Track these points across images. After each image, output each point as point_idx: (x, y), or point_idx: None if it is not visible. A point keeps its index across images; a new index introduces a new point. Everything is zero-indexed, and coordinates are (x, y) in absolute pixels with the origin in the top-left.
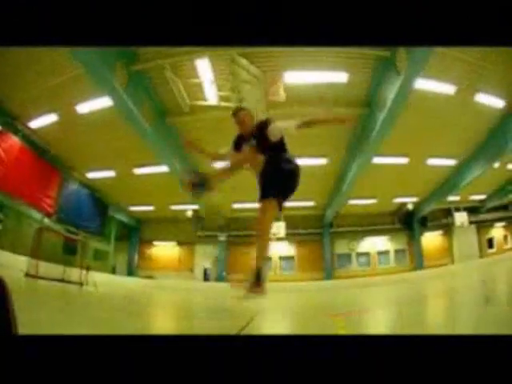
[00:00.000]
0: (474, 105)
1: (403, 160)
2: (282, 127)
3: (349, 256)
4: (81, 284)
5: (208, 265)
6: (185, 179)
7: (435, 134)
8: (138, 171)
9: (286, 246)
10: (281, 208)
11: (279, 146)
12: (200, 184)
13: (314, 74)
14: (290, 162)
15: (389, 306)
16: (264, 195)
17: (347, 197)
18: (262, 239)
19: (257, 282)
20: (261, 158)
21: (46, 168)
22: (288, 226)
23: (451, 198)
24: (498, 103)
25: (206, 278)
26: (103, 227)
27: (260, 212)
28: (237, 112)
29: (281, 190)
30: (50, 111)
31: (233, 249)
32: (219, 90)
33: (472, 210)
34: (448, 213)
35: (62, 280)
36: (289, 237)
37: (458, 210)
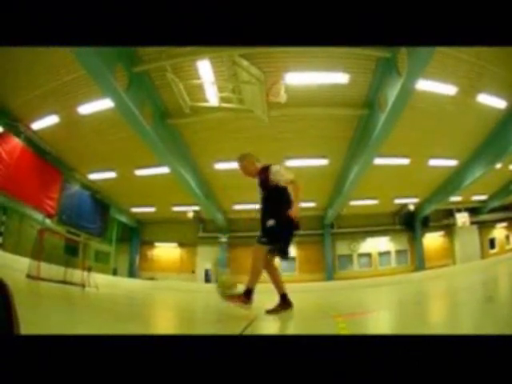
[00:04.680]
0: (475, 105)
1: (404, 161)
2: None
3: (350, 257)
4: (82, 285)
5: (209, 266)
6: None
7: (436, 135)
8: (140, 172)
9: None
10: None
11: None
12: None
13: (314, 75)
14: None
15: (390, 306)
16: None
17: (348, 198)
18: (256, 272)
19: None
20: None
21: (47, 169)
22: None
23: (453, 199)
24: (500, 104)
25: (207, 279)
26: (104, 228)
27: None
28: (238, 159)
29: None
30: (51, 113)
31: (234, 250)
32: (220, 91)
33: (473, 210)
34: (449, 213)
35: (63, 281)
36: None
37: (459, 210)
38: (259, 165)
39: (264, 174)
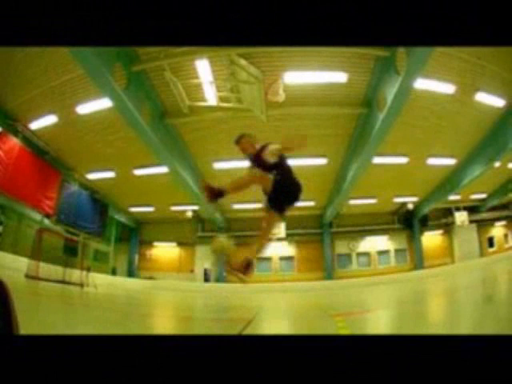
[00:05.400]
0: (474, 104)
1: (403, 160)
2: (273, 149)
3: (349, 256)
4: (81, 285)
5: (208, 265)
6: (204, 188)
7: (435, 134)
8: (138, 172)
9: (285, 247)
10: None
11: (279, 166)
12: (217, 193)
13: (313, 74)
14: (288, 182)
15: (389, 305)
16: (269, 207)
17: (347, 197)
18: (264, 239)
19: (249, 267)
20: (267, 177)
21: (46, 169)
22: (288, 226)
23: (451, 198)
24: (498, 102)
25: (206, 278)
26: (103, 228)
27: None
28: (238, 140)
29: (281, 205)
30: (49, 112)
31: None
32: (218, 90)
33: (472, 209)
34: (448, 212)
35: (62, 281)
36: (289, 237)
37: (458, 209)
38: (258, 146)
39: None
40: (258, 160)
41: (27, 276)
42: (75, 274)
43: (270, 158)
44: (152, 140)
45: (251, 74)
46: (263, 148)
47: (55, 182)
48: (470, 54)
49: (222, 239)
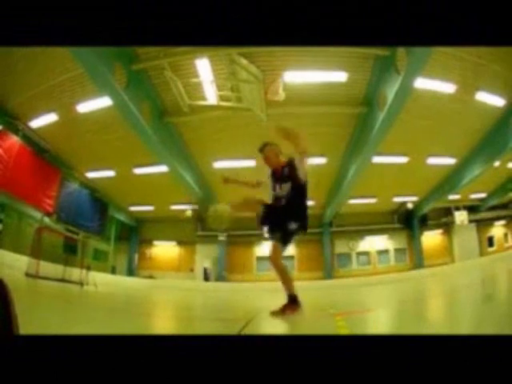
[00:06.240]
0: (474, 103)
1: (403, 159)
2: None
3: (349, 255)
4: (81, 284)
5: (208, 264)
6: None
7: (435, 133)
8: (138, 171)
9: None
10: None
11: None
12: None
13: (313, 74)
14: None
15: (389, 305)
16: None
17: (347, 196)
18: (282, 274)
19: (293, 304)
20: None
21: (46, 167)
22: None
23: (451, 197)
24: (499, 102)
25: (205, 277)
26: (103, 227)
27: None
28: (262, 148)
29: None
30: (50, 111)
31: (232, 248)
32: (219, 89)
33: (472, 208)
34: (448, 212)
35: (62, 280)
36: None
37: (457, 208)
38: (282, 158)
39: (290, 167)
40: (281, 172)
41: (27, 274)
42: (75, 273)
43: (302, 172)
44: (152, 139)
45: (251, 73)
46: (291, 163)
47: (55, 180)
48: (470, 54)
49: (218, 207)
